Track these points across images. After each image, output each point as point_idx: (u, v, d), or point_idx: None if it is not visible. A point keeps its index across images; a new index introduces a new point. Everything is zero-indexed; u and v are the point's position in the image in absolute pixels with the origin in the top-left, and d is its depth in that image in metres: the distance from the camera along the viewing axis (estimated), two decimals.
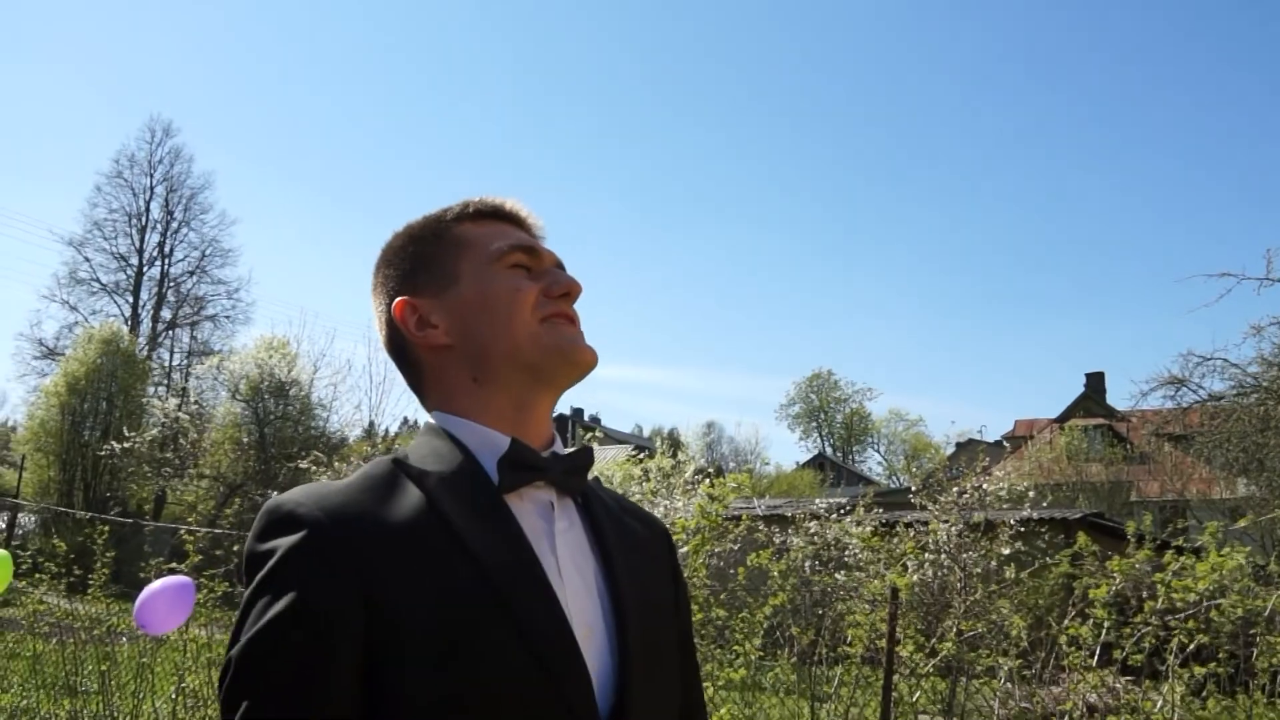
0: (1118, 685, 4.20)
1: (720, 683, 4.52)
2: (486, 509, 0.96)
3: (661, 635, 1.06)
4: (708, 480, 8.90)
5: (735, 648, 4.57)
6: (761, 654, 7.02)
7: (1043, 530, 7.23)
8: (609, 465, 16.34)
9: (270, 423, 22.73)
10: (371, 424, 23.06)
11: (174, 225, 36.57)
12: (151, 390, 29.03)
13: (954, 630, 4.63)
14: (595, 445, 18.12)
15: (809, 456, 59.28)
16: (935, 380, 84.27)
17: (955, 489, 6.79)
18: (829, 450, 61.29)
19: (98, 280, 35.00)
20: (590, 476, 1.09)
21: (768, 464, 58.48)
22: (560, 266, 1.12)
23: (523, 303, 1.04)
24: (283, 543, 0.88)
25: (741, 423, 72.31)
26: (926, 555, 6.44)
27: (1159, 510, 23.37)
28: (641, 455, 16.95)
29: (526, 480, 1.00)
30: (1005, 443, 28.79)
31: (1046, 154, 79.36)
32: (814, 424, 63.15)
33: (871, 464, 62.30)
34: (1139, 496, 24.66)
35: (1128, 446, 26.92)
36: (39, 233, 61.08)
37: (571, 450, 1.07)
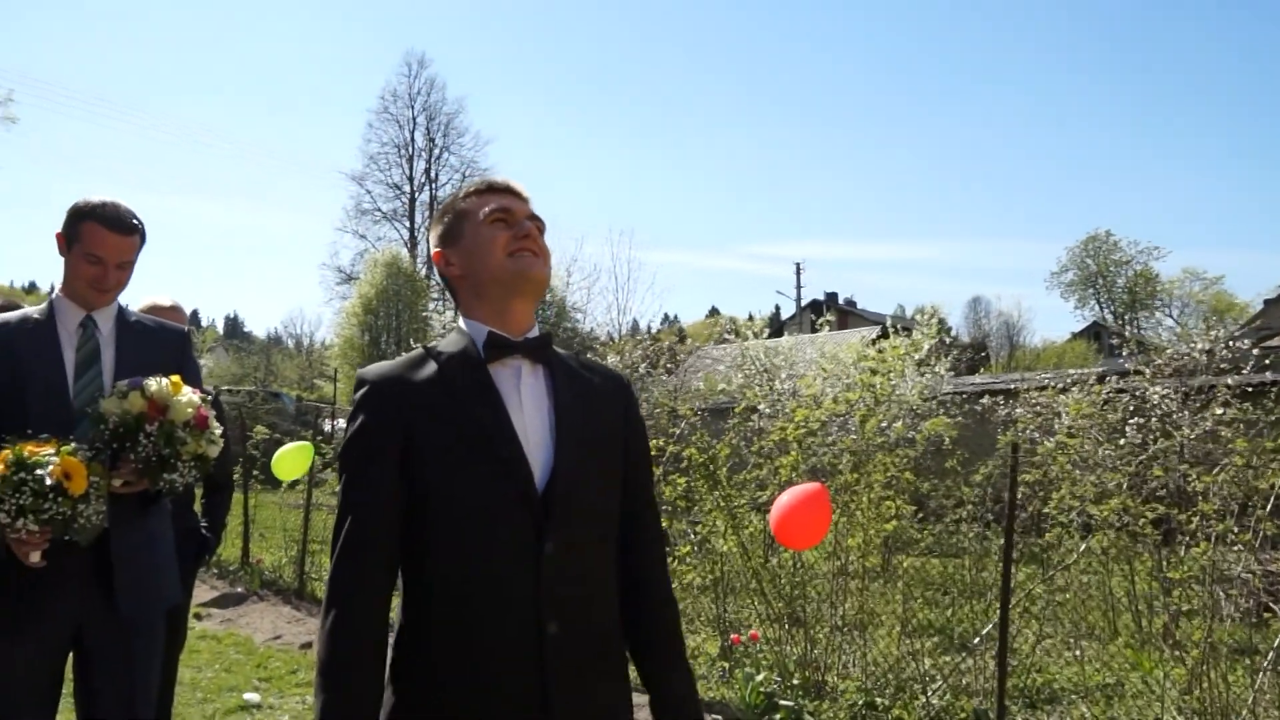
0: None
1: (875, 534, 4.86)
2: (472, 371, 1.56)
3: (599, 449, 1.59)
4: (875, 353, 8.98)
5: (886, 503, 4.87)
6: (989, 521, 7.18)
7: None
8: (845, 348, 16.40)
9: None
10: (635, 323, 24.49)
11: (436, 151, 39.80)
12: (431, 305, 32.29)
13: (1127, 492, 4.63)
14: (827, 329, 18.25)
15: (1085, 326, 55.03)
16: (1237, 232, 74.59)
17: (1169, 352, 6.47)
18: (1109, 318, 56.43)
19: (379, 209, 39.05)
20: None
21: (1033, 336, 54.87)
22: (531, 217, 1.63)
23: (496, 246, 1.59)
24: (360, 394, 1.55)
25: (1001, 295, 67.62)
26: (1137, 419, 6.29)
27: None
28: (875, 337, 16.88)
29: (502, 354, 1.57)
30: None
31: None
32: (1090, 291, 58.19)
33: (1161, 330, 56.67)
34: None
35: None
36: (329, 173, 68.44)
37: (536, 335, 1.62)
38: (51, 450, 2.16)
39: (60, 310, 2.48)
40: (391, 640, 1.52)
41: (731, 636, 5.06)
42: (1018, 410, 9.49)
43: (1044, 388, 9.46)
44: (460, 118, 40.22)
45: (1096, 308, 57.35)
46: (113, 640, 2.41)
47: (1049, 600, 6.30)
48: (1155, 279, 55.82)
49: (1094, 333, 51.85)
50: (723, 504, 5.13)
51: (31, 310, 2.52)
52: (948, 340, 18.20)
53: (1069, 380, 9.11)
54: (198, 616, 7.24)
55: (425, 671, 1.48)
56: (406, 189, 39.41)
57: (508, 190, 1.65)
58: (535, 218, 1.64)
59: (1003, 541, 4.56)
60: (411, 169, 39.62)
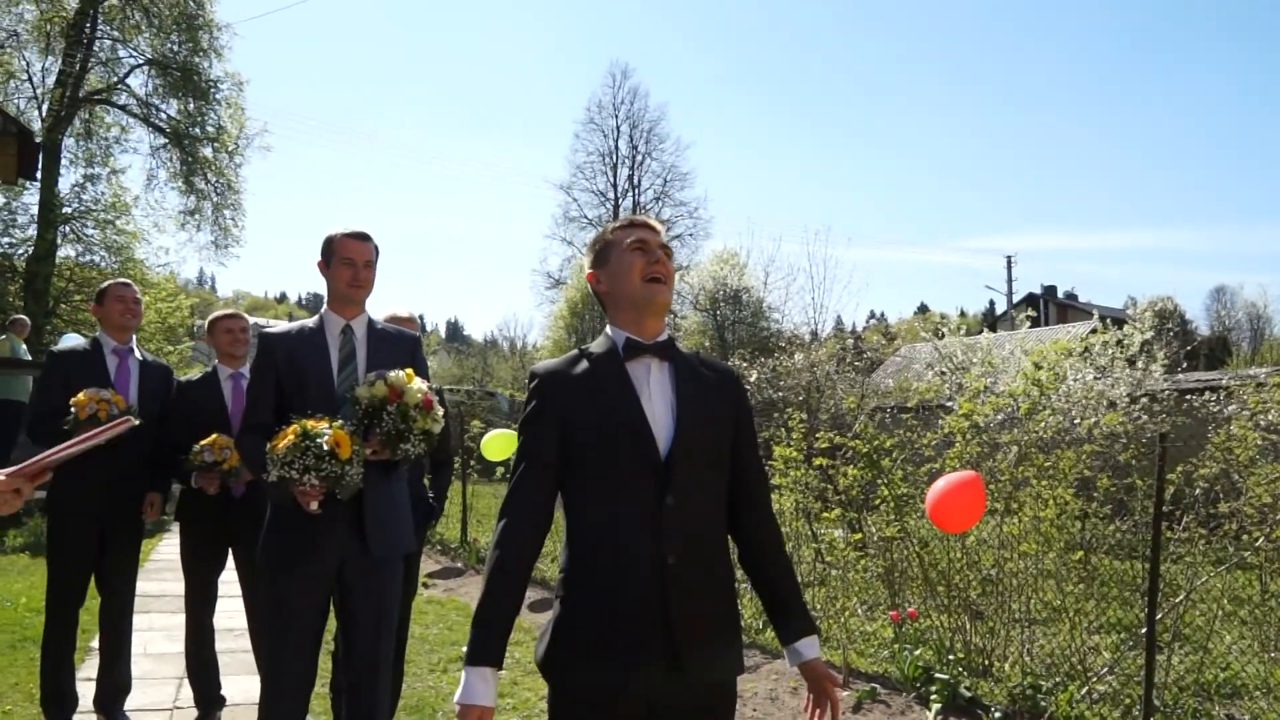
0: None
1: (1047, 528, 4.97)
2: (613, 367, 2.04)
3: (711, 428, 2.04)
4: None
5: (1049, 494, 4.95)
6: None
7: None
8: (1050, 344, 15.77)
9: (728, 327, 25.31)
10: (839, 319, 24.66)
11: (639, 158, 41.16)
12: None
13: None
14: (1027, 325, 17.60)
15: None
16: None
17: None
18: None
19: (585, 216, 40.80)
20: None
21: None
22: (662, 246, 2.11)
23: (633, 270, 2.07)
24: (532, 385, 2.05)
25: (1245, 284, 61.35)
26: None
27: None
28: (1089, 332, 16.15)
29: (636, 354, 2.05)
30: None
31: None
32: None
33: None
34: None
35: None
36: (538, 183, 72.00)
37: (664, 340, 2.08)
38: (326, 425, 2.88)
39: (327, 321, 3.23)
40: (560, 563, 2.04)
41: (890, 613, 5.33)
42: (1229, 408, 9.04)
43: (1260, 384, 8.94)
44: (661, 124, 41.58)
45: None
46: (365, 574, 3.12)
47: (1257, 603, 6.10)
48: None
49: None
50: (886, 491, 5.40)
51: (308, 321, 3.28)
52: (1174, 332, 17.05)
53: None
54: (425, 585, 8.26)
55: (579, 592, 1.97)
56: (611, 196, 40.99)
57: (645, 225, 2.14)
58: (666, 247, 2.12)
59: (1175, 538, 4.58)
60: (615, 176, 41.21)
